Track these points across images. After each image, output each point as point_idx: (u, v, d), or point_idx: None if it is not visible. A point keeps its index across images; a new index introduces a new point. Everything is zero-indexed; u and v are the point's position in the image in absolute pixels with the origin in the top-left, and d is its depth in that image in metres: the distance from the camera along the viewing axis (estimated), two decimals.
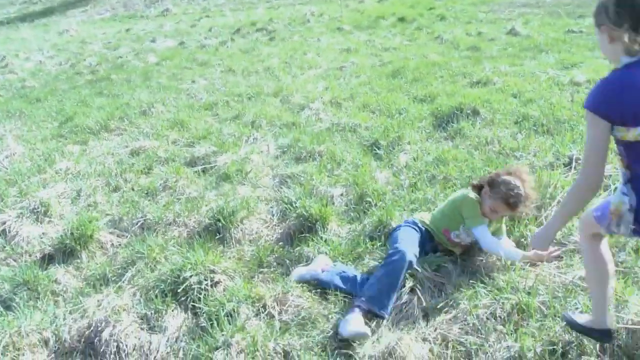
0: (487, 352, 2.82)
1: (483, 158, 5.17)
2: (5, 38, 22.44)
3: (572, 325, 2.71)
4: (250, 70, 11.11)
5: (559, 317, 2.91)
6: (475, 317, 3.03)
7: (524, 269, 3.41)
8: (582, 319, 2.70)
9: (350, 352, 2.97)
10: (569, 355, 2.70)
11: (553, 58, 9.10)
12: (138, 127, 7.68)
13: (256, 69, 11.18)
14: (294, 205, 4.56)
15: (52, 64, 15.07)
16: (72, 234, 4.41)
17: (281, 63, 11.48)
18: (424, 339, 2.99)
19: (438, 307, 3.20)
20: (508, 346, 2.77)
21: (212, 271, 3.66)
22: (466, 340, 2.93)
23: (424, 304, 3.23)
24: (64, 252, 4.36)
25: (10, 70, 14.53)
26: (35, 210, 4.92)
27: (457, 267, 3.56)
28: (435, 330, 3.04)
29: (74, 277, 4.09)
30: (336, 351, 3.01)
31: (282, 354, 3.03)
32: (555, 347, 2.76)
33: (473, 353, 2.85)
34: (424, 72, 8.99)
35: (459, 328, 3.02)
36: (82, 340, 3.30)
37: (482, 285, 3.28)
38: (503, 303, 3.07)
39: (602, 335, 2.61)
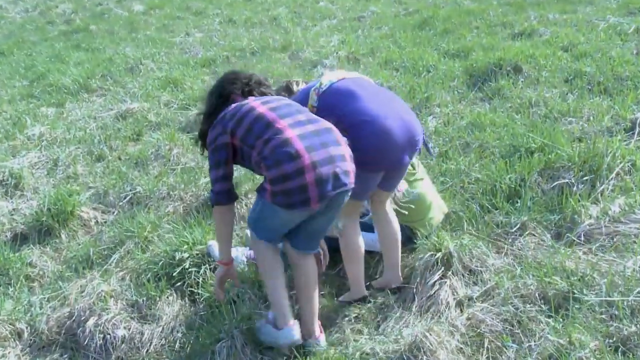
0: (530, 347, 2.81)
1: (526, 123, 5.10)
2: None
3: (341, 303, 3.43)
4: (253, 20, 11.02)
5: (618, 308, 2.88)
6: (514, 307, 3.02)
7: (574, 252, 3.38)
8: (344, 297, 3.44)
9: (373, 346, 2.97)
10: (633, 354, 2.66)
11: (614, 2, 8.90)
12: (124, 87, 7.67)
13: (260, 19, 11.09)
14: None
15: (17, 11, 14.96)
16: (49, 210, 4.43)
17: (289, 12, 11.37)
18: (456, 331, 2.97)
19: (473, 296, 3.19)
20: (554, 340, 2.75)
21: None
22: (504, 331, 2.91)
23: (457, 293, 3.22)
24: (39, 231, 4.39)
25: None
26: (4, 183, 4.95)
27: (492, 250, 3.54)
28: (468, 320, 3.03)
29: (52, 260, 4.13)
30: (353, 344, 3.02)
31: (294, 347, 3.04)
32: (611, 340, 2.73)
33: (513, 349, 2.84)
34: (457, 23, 8.86)
35: (496, 318, 3.00)
36: (63, 331, 3.33)
37: (524, 269, 3.26)
38: (549, 290, 3.04)
39: (361, 300, 3.36)
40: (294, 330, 2.90)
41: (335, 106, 3.17)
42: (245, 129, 2.86)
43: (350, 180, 2.82)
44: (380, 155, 3.10)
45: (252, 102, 2.98)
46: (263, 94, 3.19)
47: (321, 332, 3.08)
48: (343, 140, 2.87)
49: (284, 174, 2.70)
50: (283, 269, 3.03)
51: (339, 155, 2.78)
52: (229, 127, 2.90)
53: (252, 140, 2.82)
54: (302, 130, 2.78)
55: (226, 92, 3.19)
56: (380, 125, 3.05)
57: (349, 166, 2.82)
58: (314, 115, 2.96)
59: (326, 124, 2.89)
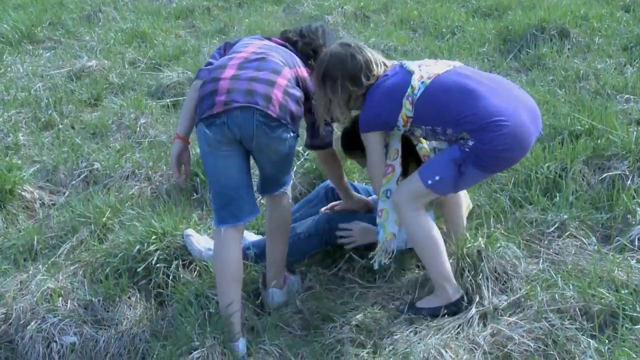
0: None
1: (571, 100, 5.10)
2: None
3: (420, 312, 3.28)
4: None
5: None
6: (549, 322, 3.04)
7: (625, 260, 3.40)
8: (426, 302, 3.29)
9: None
10: None
11: None
12: (79, 40, 7.63)
13: None
14: (300, 155, 4.58)
15: None
16: None
17: None
18: (477, 348, 2.99)
19: (499, 308, 3.22)
20: None
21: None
22: (536, 352, 2.93)
23: (480, 303, 3.25)
24: None
25: None
26: None
27: (524, 253, 3.56)
28: (493, 337, 3.06)
29: None
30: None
31: (279, 359, 3.07)
32: None
33: None
34: None
35: (527, 335, 3.02)
36: None
37: (563, 277, 3.28)
38: (593, 305, 3.06)
39: (458, 306, 3.23)
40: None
41: (444, 109, 3.05)
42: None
43: (268, 105, 2.99)
44: (513, 156, 3.13)
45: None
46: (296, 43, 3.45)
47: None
48: (286, 78, 3.12)
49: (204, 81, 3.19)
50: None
51: (268, 79, 3.04)
52: None
53: None
54: (246, 58, 3.16)
55: None
56: (517, 123, 2.97)
57: (276, 95, 3.02)
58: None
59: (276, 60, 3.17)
